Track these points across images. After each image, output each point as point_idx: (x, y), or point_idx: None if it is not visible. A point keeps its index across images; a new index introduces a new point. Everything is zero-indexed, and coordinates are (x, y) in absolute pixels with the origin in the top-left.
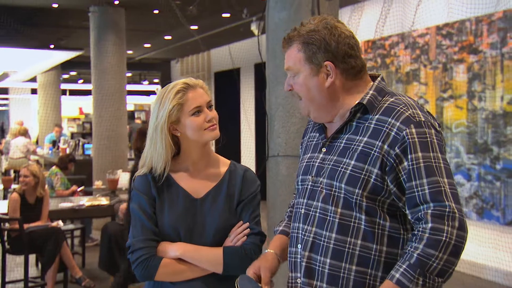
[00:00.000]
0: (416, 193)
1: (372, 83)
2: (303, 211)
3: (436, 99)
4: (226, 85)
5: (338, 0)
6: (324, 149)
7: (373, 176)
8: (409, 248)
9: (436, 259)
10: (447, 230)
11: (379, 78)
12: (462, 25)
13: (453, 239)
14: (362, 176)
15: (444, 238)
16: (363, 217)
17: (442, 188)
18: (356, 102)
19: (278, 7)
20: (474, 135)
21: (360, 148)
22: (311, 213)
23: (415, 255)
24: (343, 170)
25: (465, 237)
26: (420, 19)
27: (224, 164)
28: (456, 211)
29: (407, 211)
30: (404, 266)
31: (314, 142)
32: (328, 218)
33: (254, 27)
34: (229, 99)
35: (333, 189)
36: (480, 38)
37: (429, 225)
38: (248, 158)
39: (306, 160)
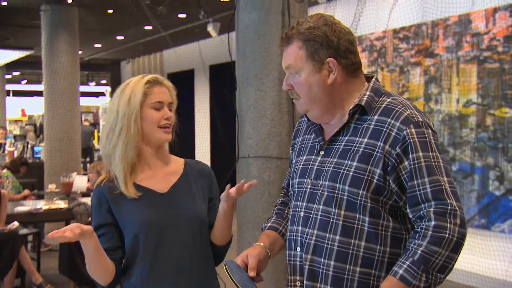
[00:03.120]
0: (418, 192)
1: (367, 83)
2: (302, 214)
3: None
4: (179, 86)
5: (307, 2)
6: (322, 152)
7: (376, 177)
8: (412, 245)
9: (439, 255)
10: (449, 227)
11: (373, 79)
12: (419, 28)
13: (455, 236)
14: (365, 177)
15: (447, 236)
16: (367, 218)
17: (443, 187)
18: (354, 103)
19: (248, 8)
20: None
21: (361, 149)
22: (311, 216)
23: (419, 251)
24: (345, 172)
25: (465, 234)
26: (394, 19)
27: (179, 161)
28: (457, 208)
29: (408, 210)
30: (407, 263)
31: (310, 144)
32: (331, 220)
33: (210, 28)
34: (183, 100)
35: (336, 191)
36: (436, 42)
37: (432, 222)
38: (203, 159)
39: (302, 163)
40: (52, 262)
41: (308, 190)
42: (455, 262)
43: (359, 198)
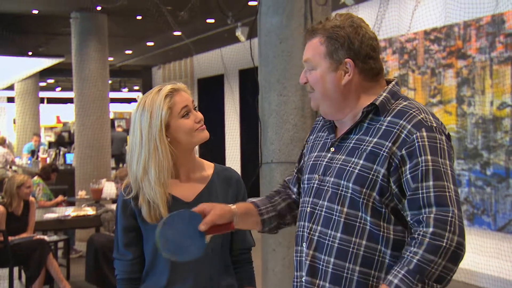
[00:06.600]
0: (420, 195)
1: (387, 86)
2: (308, 209)
3: (425, 104)
4: (209, 91)
5: (331, 5)
6: (332, 149)
7: (380, 177)
8: (407, 253)
9: (435, 265)
10: (447, 236)
11: (393, 82)
12: (450, 30)
13: (453, 245)
14: (370, 176)
15: (444, 244)
16: (369, 218)
17: (447, 194)
18: (369, 103)
19: (270, 12)
20: (463, 140)
21: (369, 148)
22: (316, 211)
23: (414, 260)
24: (351, 169)
25: (464, 245)
26: (416, 22)
27: (209, 166)
28: (457, 217)
29: (407, 212)
30: (402, 272)
31: (322, 141)
32: (334, 217)
33: (239, 33)
34: (213, 105)
35: (340, 188)
36: (468, 43)
37: (430, 229)
38: (233, 165)
39: (313, 159)
40: (82, 269)
41: (315, 186)
42: (454, 273)
43: (362, 196)
